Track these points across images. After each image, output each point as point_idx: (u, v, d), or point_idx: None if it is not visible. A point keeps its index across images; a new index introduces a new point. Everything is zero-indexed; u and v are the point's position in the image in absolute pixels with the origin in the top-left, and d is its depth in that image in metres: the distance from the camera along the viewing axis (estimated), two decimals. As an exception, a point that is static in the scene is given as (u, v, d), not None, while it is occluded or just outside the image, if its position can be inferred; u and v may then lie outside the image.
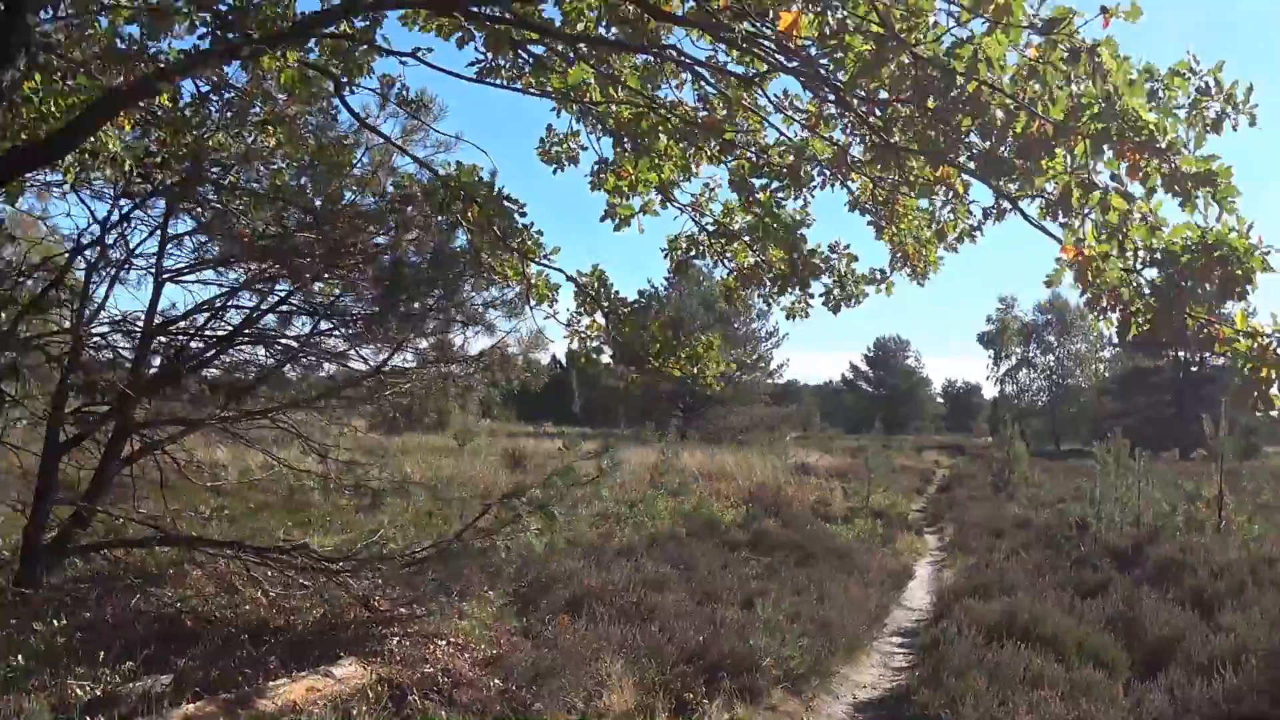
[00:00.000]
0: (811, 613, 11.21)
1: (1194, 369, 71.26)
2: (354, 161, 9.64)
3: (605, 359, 10.87)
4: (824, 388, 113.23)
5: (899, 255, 9.22)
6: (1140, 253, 5.67)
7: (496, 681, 8.46)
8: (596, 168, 9.48)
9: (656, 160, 9.00)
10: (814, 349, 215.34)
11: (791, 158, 8.98)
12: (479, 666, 8.89)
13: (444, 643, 9.28)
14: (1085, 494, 19.25)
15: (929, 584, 16.03)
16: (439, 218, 9.16)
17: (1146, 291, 5.77)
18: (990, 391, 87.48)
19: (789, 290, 9.53)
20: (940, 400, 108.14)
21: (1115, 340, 75.11)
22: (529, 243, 9.38)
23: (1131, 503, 17.98)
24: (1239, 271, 5.13)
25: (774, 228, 9.02)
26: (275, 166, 9.51)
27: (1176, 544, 15.28)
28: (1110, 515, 17.28)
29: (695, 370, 10.32)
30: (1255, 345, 5.39)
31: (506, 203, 8.92)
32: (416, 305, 9.78)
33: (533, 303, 9.75)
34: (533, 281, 9.81)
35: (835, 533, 19.47)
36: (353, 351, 10.22)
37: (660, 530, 15.99)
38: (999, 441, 32.82)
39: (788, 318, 10.40)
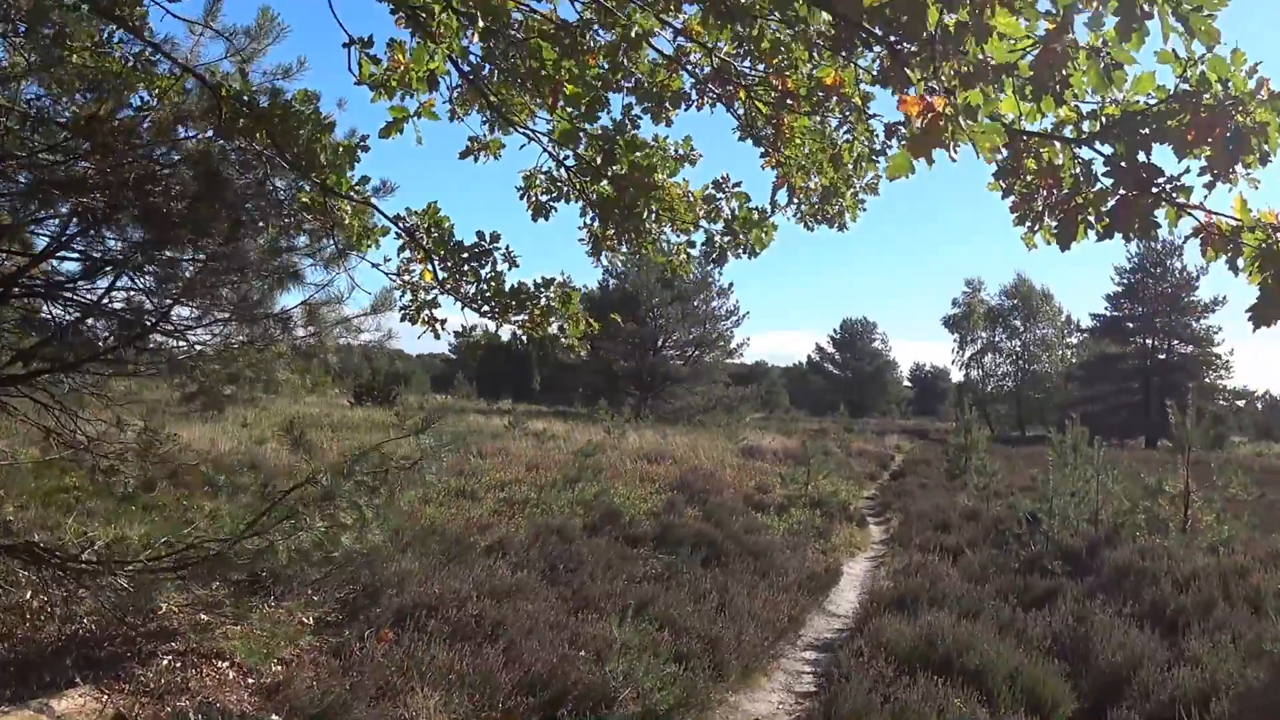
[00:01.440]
0: (703, 628, 9.35)
1: (1161, 356, 70.18)
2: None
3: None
4: (793, 370, 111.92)
5: (786, 187, 7.32)
6: (1086, 121, 3.70)
7: (275, 717, 6.75)
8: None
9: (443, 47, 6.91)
10: (786, 326, 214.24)
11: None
12: (258, 695, 7.17)
13: (225, 664, 7.53)
14: (1040, 486, 17.38)
15: (862, 584, 14.17)
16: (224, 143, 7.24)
17: (1101, 171, 3.81)
18: (957, 376, 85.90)
19: (655, 235, 7.63)
20: (909, 384, 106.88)
21: (1081, 325, 74.47)
22: (333, 170, 7.40)
23: (1089, 497, 16.19)
24: (1249, 122, 3.18)
25: (630, 155, 7.12)
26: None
27: (1136, 547, 13.49)
28: (1064, 511, 15.46)
29: (555, 329, 8.50)
30: (1270, 240, 3.46)
31: (310, 123, 7.00)
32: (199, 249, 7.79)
33: (337, 242, 7.78)
34: (345, 219, 7.89)
35: (766, 524, 17.69)
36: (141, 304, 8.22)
37: (553, 522, 14.02)
38: (958, 427, 30.99)
39: (666, 272, 8.59)
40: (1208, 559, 12.59)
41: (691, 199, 7.70)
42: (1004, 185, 4.19)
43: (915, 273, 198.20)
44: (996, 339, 76.88)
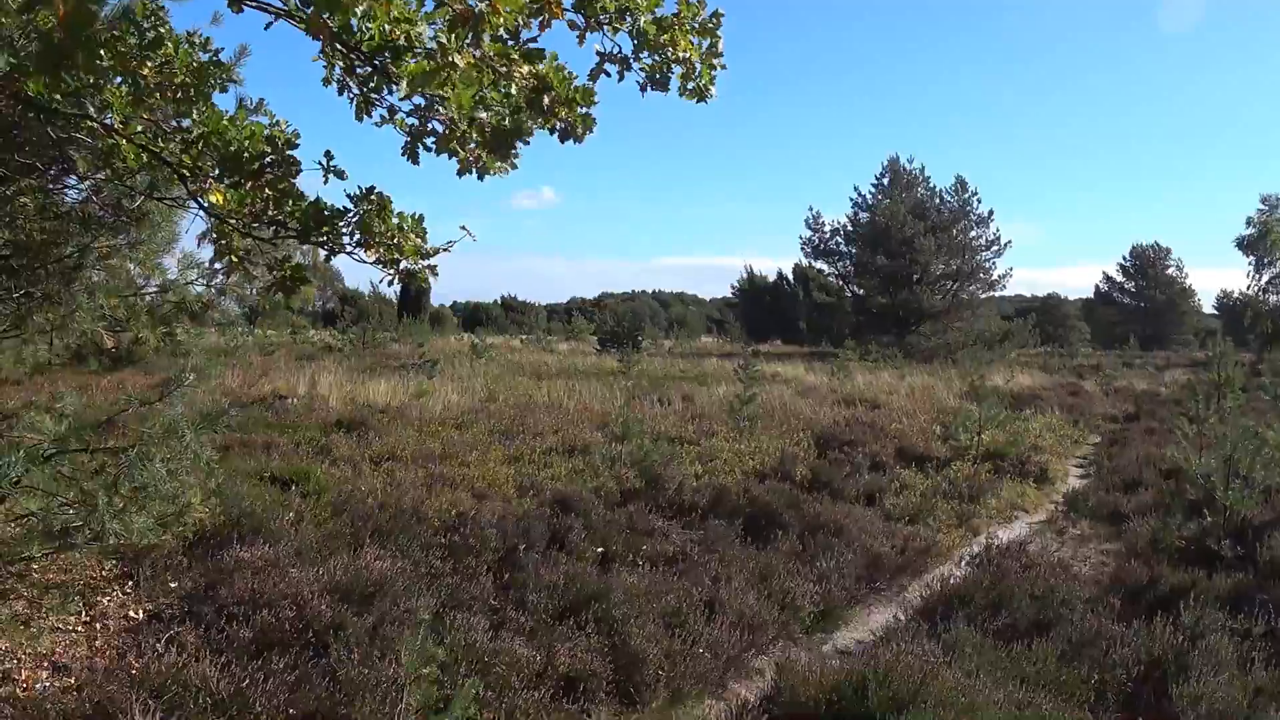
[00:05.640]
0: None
1: None
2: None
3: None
4: (1090, 302, 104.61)
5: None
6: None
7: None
8: None
9: None
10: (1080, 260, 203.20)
11: None
12: None
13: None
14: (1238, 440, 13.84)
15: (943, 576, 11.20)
16: None
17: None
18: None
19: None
20: (1214, 313, 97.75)
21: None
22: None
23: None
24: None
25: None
26: None
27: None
28: (1252, 472, 12.09)
29: (387, 251, 6.52)
30: None
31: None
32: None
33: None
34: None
35: (907, 483, 15.09)
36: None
37: (569, 490, 12.02)
38: (1211, 361, 26.80)
39: (564, 136, 6.44)
40: None
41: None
42: None
43: (1208, 192, 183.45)
44: (1300, 258, 67.93)
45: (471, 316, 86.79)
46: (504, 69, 5.48)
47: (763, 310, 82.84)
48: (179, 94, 6.30)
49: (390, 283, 6.73)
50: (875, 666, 6.45)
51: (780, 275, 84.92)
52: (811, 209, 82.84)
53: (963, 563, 10.91)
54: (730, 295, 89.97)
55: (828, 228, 62.01)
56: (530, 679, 6.65)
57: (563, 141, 5.82)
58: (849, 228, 61.13)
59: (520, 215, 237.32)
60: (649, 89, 6.02)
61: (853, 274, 61.87)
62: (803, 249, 63.71)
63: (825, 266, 65.10)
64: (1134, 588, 9.58)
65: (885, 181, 60.27)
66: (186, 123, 6.45)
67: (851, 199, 62.05)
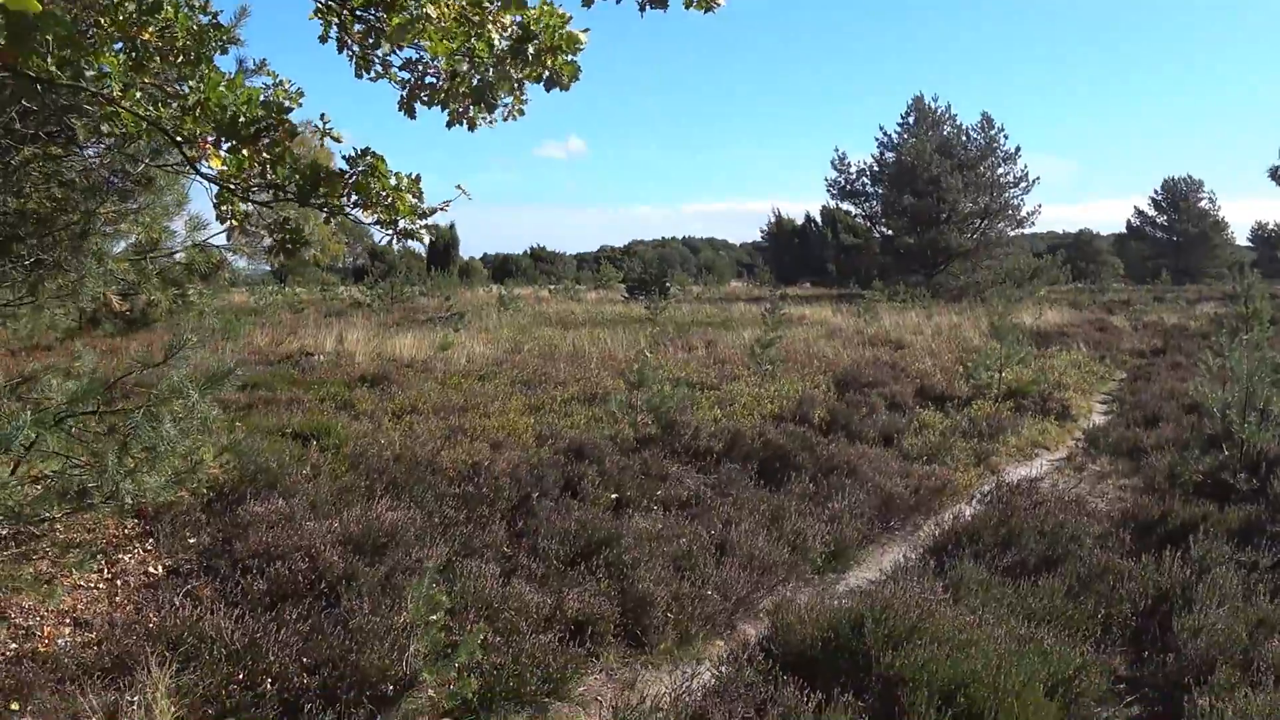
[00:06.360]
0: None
1: None
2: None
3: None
4: (1123, 236, 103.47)
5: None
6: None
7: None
8: None
9: None
10: (1113, 195, 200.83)
11: None
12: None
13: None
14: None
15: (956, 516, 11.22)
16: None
17: None
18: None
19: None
20: (1249, 245, 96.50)
21: None
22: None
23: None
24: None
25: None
26: None
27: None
28: (1268, 405, 12.04)
29: (384, 212, 6.59)
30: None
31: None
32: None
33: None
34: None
35: (926, 423, 15.14)
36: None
37: (584, 438, 12.13)
38: (1239, 293, 26.53)
39: (549, 85, 6.48)
40: None
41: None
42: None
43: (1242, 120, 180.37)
44: (1335, 185, 66.58)
45: (501, 268, 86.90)
46: (476, 19, 5.53)
47: (791, 253, 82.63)
48: (180, 58, 6.38)
49: (391, 242, 6.81)
50: (873, 605, 6.54)
51: (808, 218, 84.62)
52: (837, 150, 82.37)
53: (974, 501, 10.99)
54: (759, 239, 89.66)
55: (854, 169, 61.64)
56: (539, 624, 6.79)
57: (548, 90, 5.86)
58: (875, 168, 60.70)
59: (548, 165, 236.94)
60: (647, 8, 6.00)
61: (880, 214, 61.51)
62: (829, 190, 63.40)
63: (852, 208, 64.80)
64: (1146, 522, 9.63)
65: (911, 120, 59.79)
66: (185, 88, 6.53)
67: (877, 139, 61.66)
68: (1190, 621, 6.78)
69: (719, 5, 6.32)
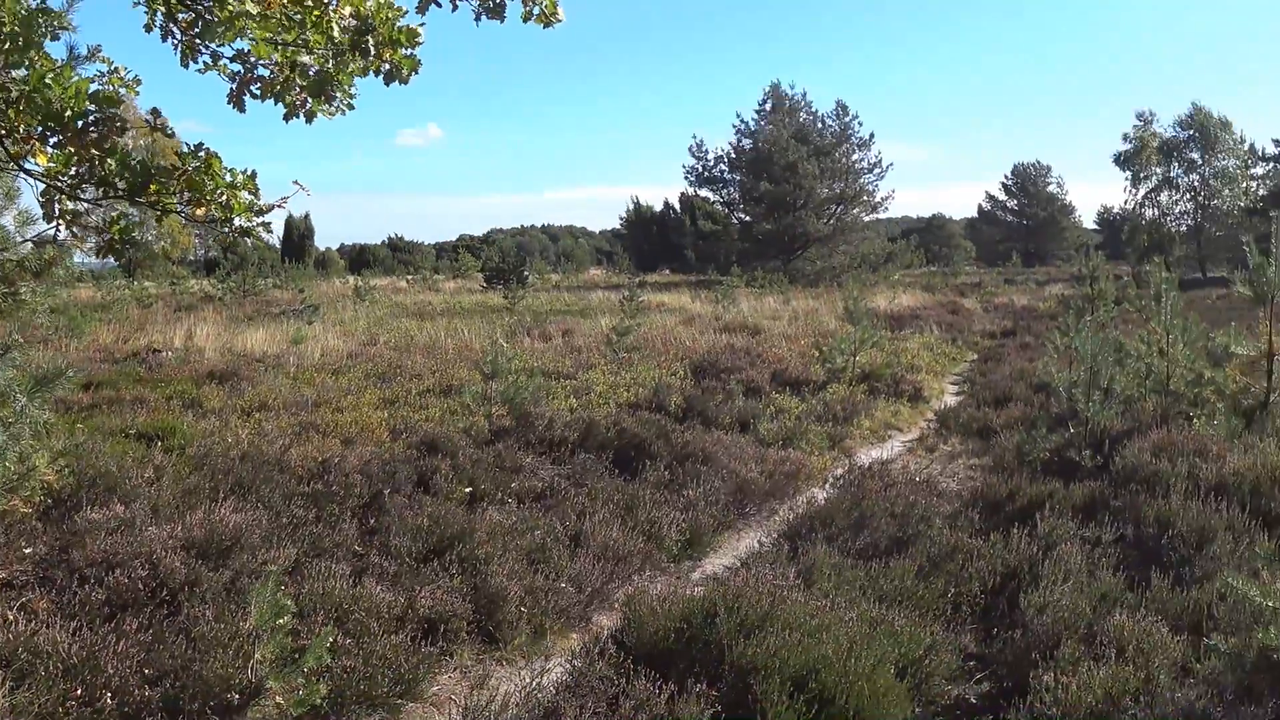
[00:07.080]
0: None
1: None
2: None
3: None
4: (974, 221, 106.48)
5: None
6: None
7: None
8: None
9: None
10: (966, 180, 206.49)
11: None
12: None
13: None
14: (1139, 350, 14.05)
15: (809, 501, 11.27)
16: None
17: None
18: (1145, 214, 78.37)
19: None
20: (1095, 228, 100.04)
21: (1266, 154, 66.48)
22: None
23: (1154, 364, 13.27)
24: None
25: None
26: None
27: (1156, 438, 10.72)
28: (1110, 383, 12.43)
29: (219, 210, 6.35)
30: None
31: None
32: None
33: None
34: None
35: (784, 407, 15.30)
36: None
37: (436, 431, 12.01)
38: (1084, 274, 27.50)
39: (389, 79, 6.32)
40: (1249, 459, 9.65)
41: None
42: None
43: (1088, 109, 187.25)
44: (1173, 174, 69.60)
45: (358, 258, 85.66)
46: (298, 16, 5.38)
47: (650, 241, 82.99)
48: (7, 44, 6.05)
49: (226, 242, 6.58)
50: (726, 594, 6.56)
51: (666, 205, 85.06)
52: (695, 137, 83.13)
53: (828, 484, 11.14)
54: (619, 227, 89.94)
55: (712, 156, 62.27)
56: (390, 624, 6.64)
57: (388, 84, 5.75)
58: (733, 155, 61.43)
59: (407, 153, 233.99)
60: (483, 17, 5.94)
61: (738, 201, 62.27)
62: (687, 178, 63.98)
63: (711, 195, 65.41)
64: (994, 501, 9.83)
65: (768, 108, 60.57)
66: (10, 78, 6.21)
67: (735, 126, 62.37)
68: (1036, 598, 6.92)
69: (559, 20, 6.27)
